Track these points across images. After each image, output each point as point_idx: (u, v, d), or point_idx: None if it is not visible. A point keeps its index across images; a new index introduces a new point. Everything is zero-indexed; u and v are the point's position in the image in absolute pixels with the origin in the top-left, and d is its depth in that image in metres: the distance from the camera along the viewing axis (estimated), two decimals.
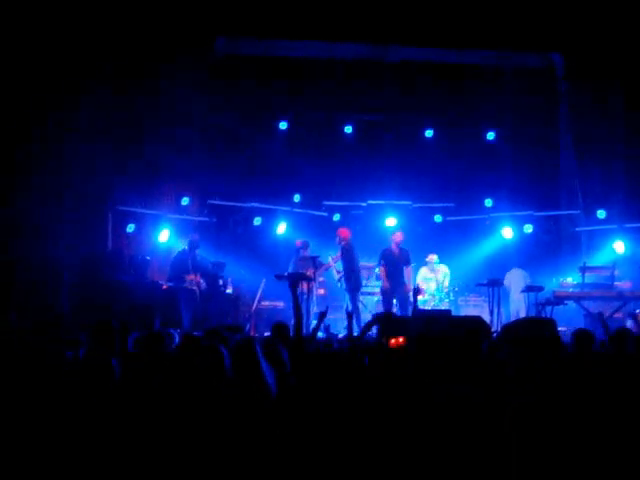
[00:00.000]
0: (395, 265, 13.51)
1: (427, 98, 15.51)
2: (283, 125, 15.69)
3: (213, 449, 4.49)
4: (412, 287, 12.91)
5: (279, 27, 14.19)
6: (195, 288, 13.04)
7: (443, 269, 14.78)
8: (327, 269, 14.14)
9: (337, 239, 13.76)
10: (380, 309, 13.94)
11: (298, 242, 14.15)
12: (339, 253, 13.80)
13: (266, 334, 10.26)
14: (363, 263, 14.41)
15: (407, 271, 13.65)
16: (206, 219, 15.03)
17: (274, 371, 5.33)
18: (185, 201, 14.69)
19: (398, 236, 13.74)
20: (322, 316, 8.73)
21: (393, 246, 13.67)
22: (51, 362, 5.64)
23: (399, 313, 12.96)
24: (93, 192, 13.19)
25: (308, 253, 13.79)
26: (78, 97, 13.01)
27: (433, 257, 14.67)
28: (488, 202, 15.55)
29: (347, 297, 13.51)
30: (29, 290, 11.36)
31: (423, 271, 14.68)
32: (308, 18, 13.88)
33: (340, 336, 10.98)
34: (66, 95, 12.74)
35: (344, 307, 13.44)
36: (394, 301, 13.52)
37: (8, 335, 6.80)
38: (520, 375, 4.94)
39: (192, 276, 13.06)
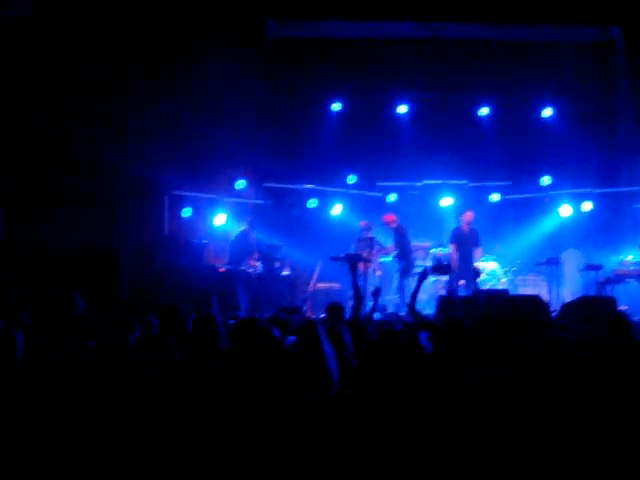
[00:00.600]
0: (465, 245, 13.45)
1: (482, 75, 15.30)
2: (337, 106, 15.59)
3: (271, 430, 4.51)
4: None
5: (331, 8, 14.11)
6: (252, 271, 13.13)
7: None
8: (386, 254, 14.10)
9: (387, 226, 13.72)
10: (437, 289, 13.86)
11: (362, 223, 14.10)
12: (392, 243, 13.75)
13: (322, 315, 10.25)
14: (417, 243, 14.34)
15: (477, 252, 13.58)
16: (261, 202, 15.10)
17: (336, 353, 5.34)
18: (240, 184, 14.76)
19: (468, 215, 13.69)
20: (377, 294, 8.66)
21: (464, 225, 13.62)
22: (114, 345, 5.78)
23: (465, 293, 12.86)
24: (149, 177, 13.31)
25: (370, 234, 13.75)
26: (132, 80, 13.13)
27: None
28: (546, 180, 15.31)
29: (396, 277, 13.45)
30: (90, 276, 11.49)
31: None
32: None
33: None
34: (119, 79, 12.86)
35: (395, 287, 13.47)
36: (461, 281, 13.40)
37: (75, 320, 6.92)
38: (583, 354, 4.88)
39: (254, 260, 13.21)
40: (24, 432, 4.49)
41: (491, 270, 14.20)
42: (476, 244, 13.60)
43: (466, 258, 13.40)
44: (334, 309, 7.74)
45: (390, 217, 13.81)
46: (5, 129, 12.15)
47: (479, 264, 13.93)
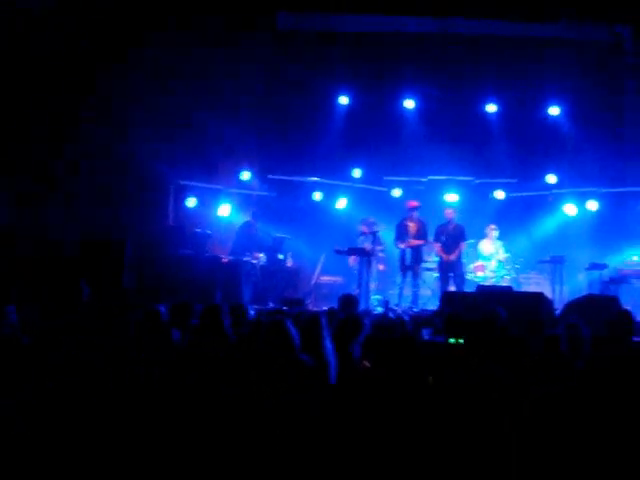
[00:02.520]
0: (450, 241, 13.43)
1: (489, 72, 15.24)
2: (344, 99, 15.58)
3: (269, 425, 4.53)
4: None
5: (341, 1, 14.10)
6: (255, 262, 13.14)
7: (499, 244, 14.51)
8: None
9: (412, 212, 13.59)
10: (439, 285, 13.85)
11: (369, 219, 14.07)
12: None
13: (325, 308, 10.24)
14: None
15: (462, 247, 13.58)
16: (266, 193, 15.11)
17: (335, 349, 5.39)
18: (246, 175, 14.77)
19: (449, 212, 13.69)
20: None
21: (447, 222, 13.64)
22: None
23: (455, 290, 12.89)
24: (155, 167, 13.30)
25: (375, 229, 13.67)
26: (136, 71, 13.11)
27: (493, 227, 14.37)
28: (551, 178, 15.31)
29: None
30: (94, 266, 11.49)
31: (484, 246, 14.41)
32: None
33: (399, 311, 10.99)
34: (122, 71, 12.86)
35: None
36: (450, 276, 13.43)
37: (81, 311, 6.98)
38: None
39: (257, 251, 13.24)
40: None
41: (495, 267, 14.16)
42: (462, 239, 13.58)
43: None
44: (349, 301, 7.75)
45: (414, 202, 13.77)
46: (16, 118, 12.16)
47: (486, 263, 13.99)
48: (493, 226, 14.28)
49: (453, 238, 13.50)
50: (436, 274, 13.98)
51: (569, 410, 4.06)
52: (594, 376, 4.53)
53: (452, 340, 6.13)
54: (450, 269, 13.43)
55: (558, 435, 3.93)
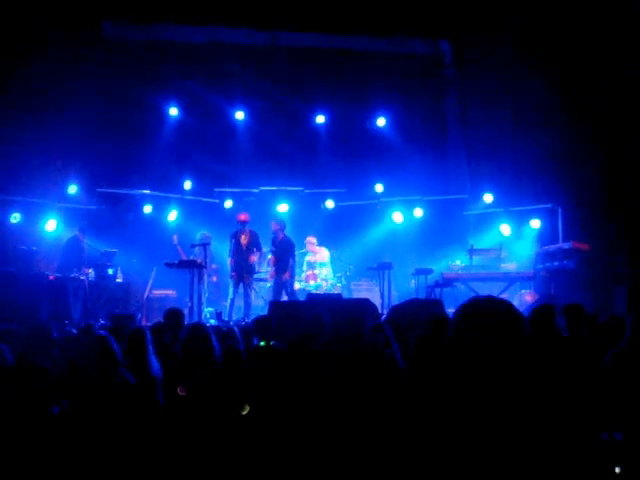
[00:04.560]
0: (279, 257, 13.39)
1: (318, 83, 15.54)
2: (174, 111, 15.47)
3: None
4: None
5: (169, 12, 14.00)
6: (84, 278, 12.77)
7: (324, 252, 14.71)
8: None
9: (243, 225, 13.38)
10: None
11: (204, 234, 13.92)
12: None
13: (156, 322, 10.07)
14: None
15: (290, 263, 13.38)
16: (95, 207, 14.73)
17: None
18: (72, 189, 14.36)
19: (274, 225, 13.51)
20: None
21: (274, 236, 13.48)
22: None
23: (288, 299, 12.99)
24: None
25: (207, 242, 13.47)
26: None
27: (311, 239, 14.59)
28: (379, 187, 15.74)
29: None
30: None
31: (309, 259, 14.61)
32: (197, 3, 13.73)
33: (231, 323, 10.98)
34: None
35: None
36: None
37: None
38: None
39: (86, 267, 12.87)
40: None
41: (325, 275, 14.38)
42: (291, 255, 13.43)
43: (281, 266, 13.33)
44: (174, 314, 7.66)
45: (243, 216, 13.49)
46: None
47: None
48: (309, 238, 14.49)
49: (281, 254, 13.37)
50: (269, 284, 14.01)
51: (395, 406, 4.18)
52: (415, 375, 4.68)
53: (262, 343, 6.21)
54: (280, 282, 13.39)
55: (387, 429, 4.02)
